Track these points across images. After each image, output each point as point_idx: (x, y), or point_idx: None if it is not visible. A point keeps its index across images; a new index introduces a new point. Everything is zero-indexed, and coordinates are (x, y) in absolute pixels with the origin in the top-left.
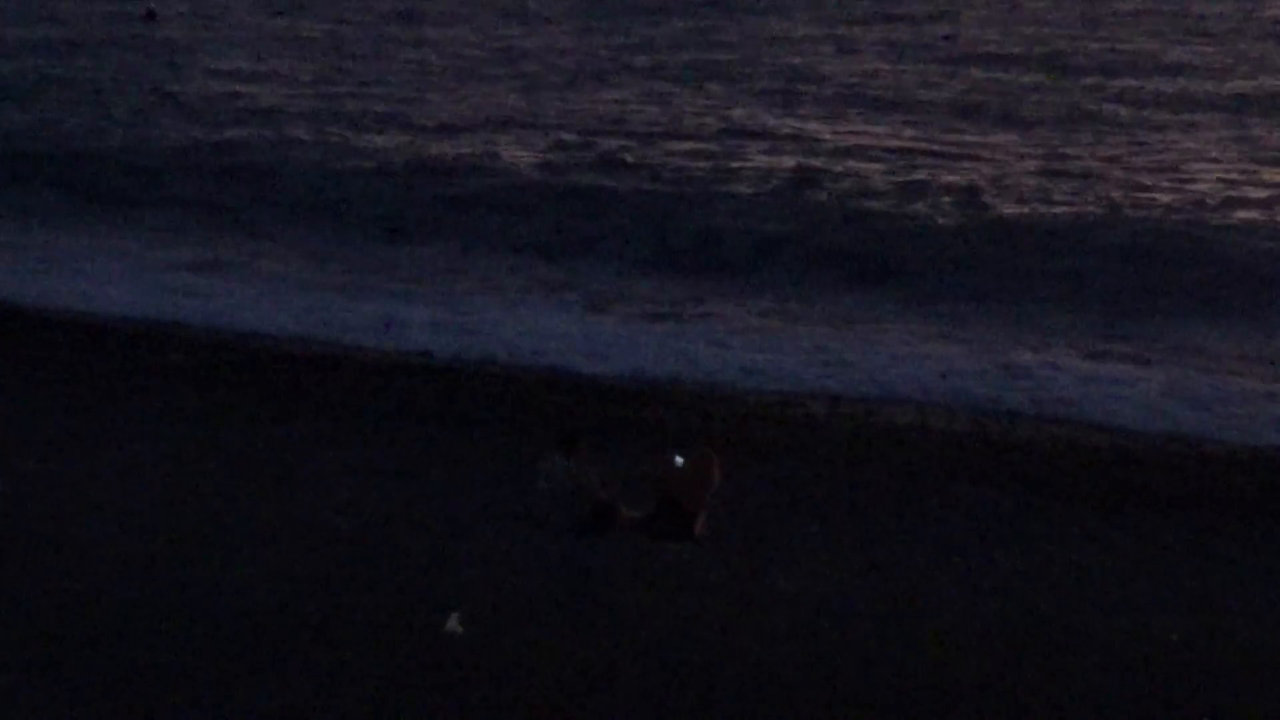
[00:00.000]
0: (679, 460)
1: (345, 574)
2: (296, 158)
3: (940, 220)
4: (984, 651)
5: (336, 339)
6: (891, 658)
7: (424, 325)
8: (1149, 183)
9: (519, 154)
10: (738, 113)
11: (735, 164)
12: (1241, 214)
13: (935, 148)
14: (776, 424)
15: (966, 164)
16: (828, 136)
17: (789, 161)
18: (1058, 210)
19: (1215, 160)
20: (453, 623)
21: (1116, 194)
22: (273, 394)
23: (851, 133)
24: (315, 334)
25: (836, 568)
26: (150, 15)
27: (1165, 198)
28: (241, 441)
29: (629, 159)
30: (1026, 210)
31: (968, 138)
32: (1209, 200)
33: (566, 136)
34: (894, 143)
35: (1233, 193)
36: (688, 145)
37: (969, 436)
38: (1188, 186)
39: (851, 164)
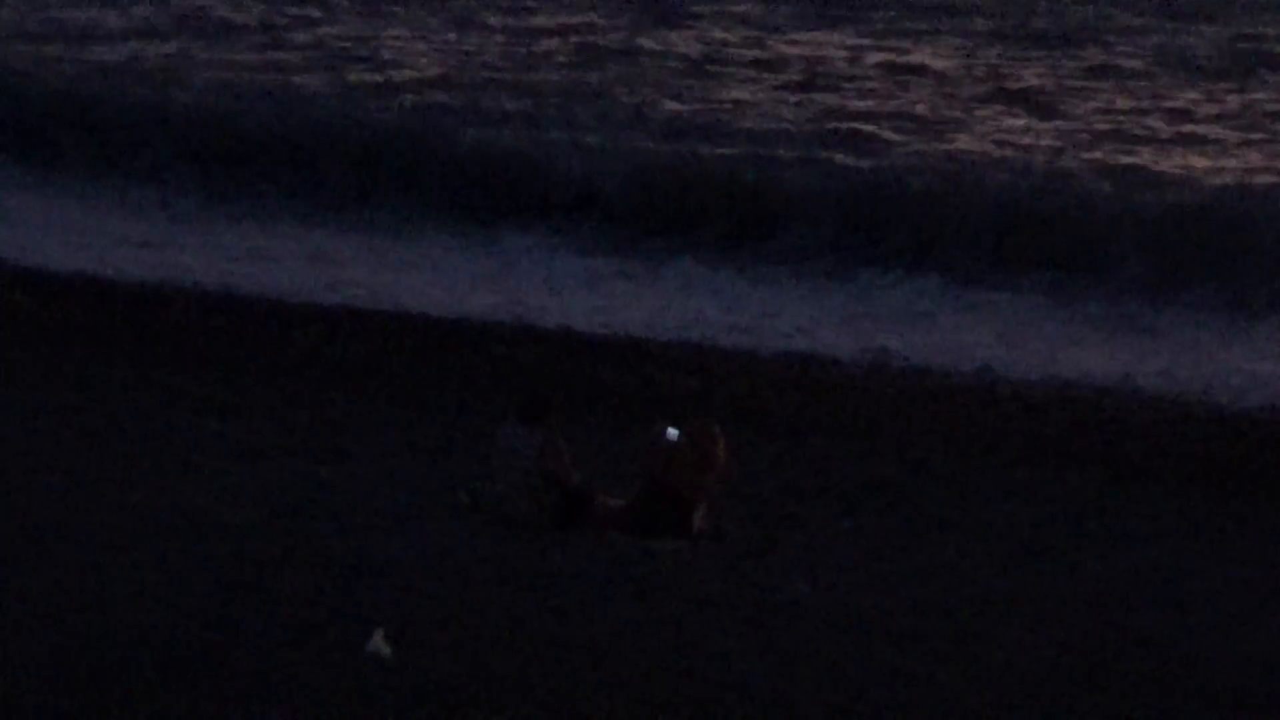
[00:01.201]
0: (673, 436)
1: (238, 583)
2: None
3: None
4: (1060, 687)
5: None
6: (941, 694)
7: (329, 259)
8: None
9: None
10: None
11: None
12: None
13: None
14: (799, 390)
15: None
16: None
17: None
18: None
19: None
20: (376, 642)
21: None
22: (128, 346)
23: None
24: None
25: (872, 575)
26: None
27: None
28: (89, 409)
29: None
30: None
31: None
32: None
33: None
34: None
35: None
36: None
37: (1042, 408)
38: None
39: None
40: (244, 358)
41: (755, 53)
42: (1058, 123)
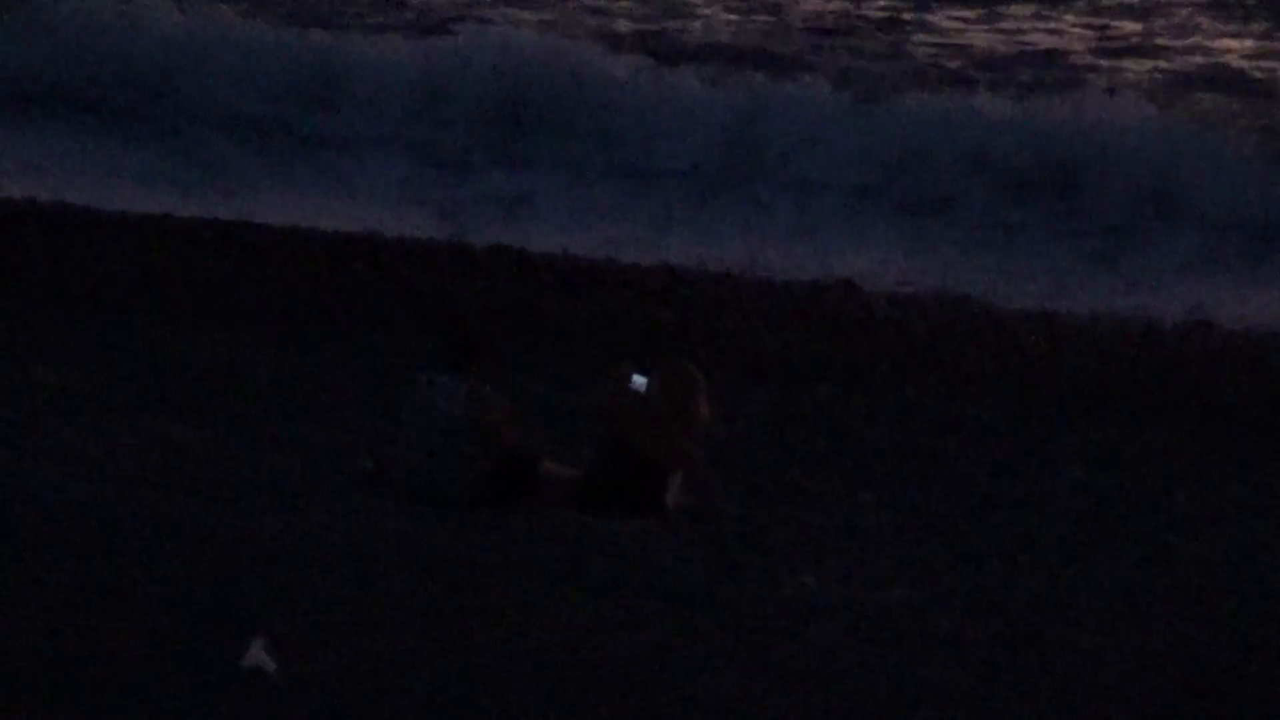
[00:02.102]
0: (641, 384)
1: (81, 578)
2: None
3: None
4: (1156, 714)
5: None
6: None
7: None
8: None
9: None
10: None
11: None
12: None
13: None
14: (802, 325)
15: None
16: None
17: None
18: None
19: None
20: (255, 654)
21: None
22: None
23: None
24: None
25: (900, 564)
26: None
27: None
28: None
29: None
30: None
31: None
32: None
33: None
34: None
35: None
36: None
37: (1113, 347)
38: None
39: None
40: (75, 285)
41: None
42: None
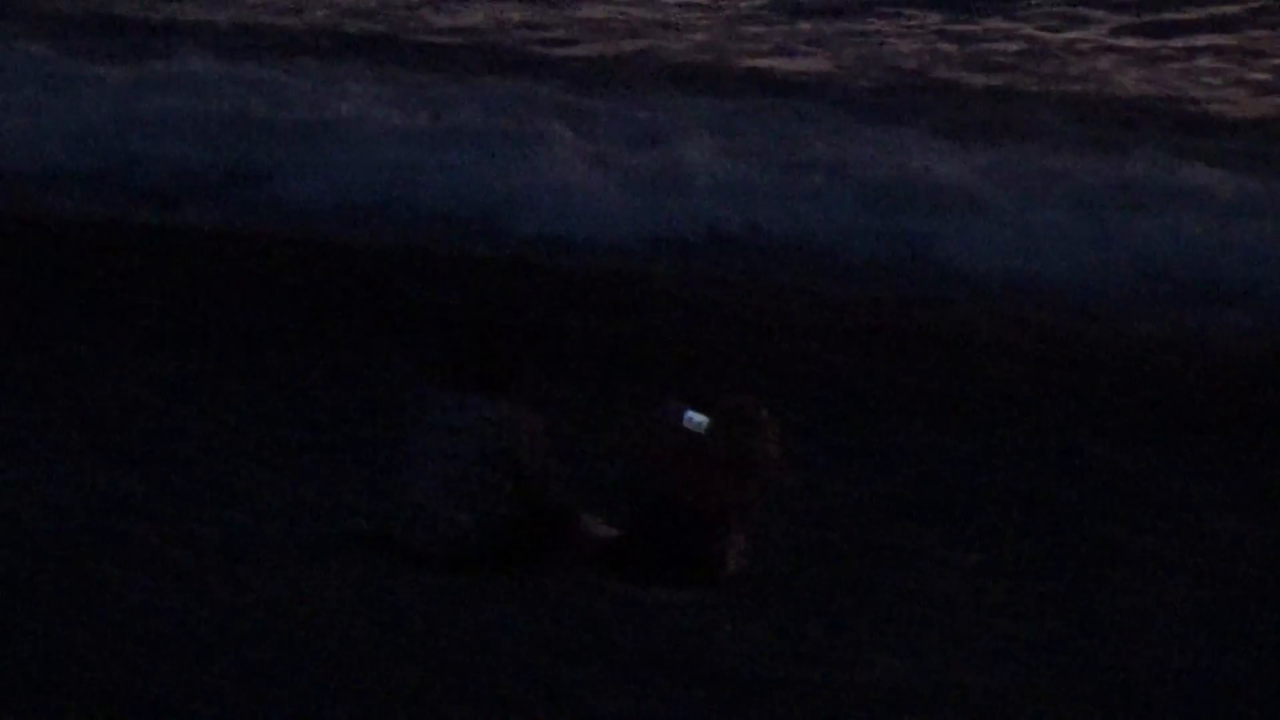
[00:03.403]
0: (695, 422)
1: (9, 663)
2: None
3: None
4: None
5: None
6: None
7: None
8: None
9: None
10: None
11: None
12: None
13: None
14: (889, 347)
15: None
16: None
17: None
18: None
19: None
20: None
21: None
22: None
23: None
24: None
25: (1017, 644)
26: None
27: None
28: None
29: None
30: None
31: None
32: None
33: None
34: None
35: None
36: None
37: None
38: None
39: None
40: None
41: None
42: None
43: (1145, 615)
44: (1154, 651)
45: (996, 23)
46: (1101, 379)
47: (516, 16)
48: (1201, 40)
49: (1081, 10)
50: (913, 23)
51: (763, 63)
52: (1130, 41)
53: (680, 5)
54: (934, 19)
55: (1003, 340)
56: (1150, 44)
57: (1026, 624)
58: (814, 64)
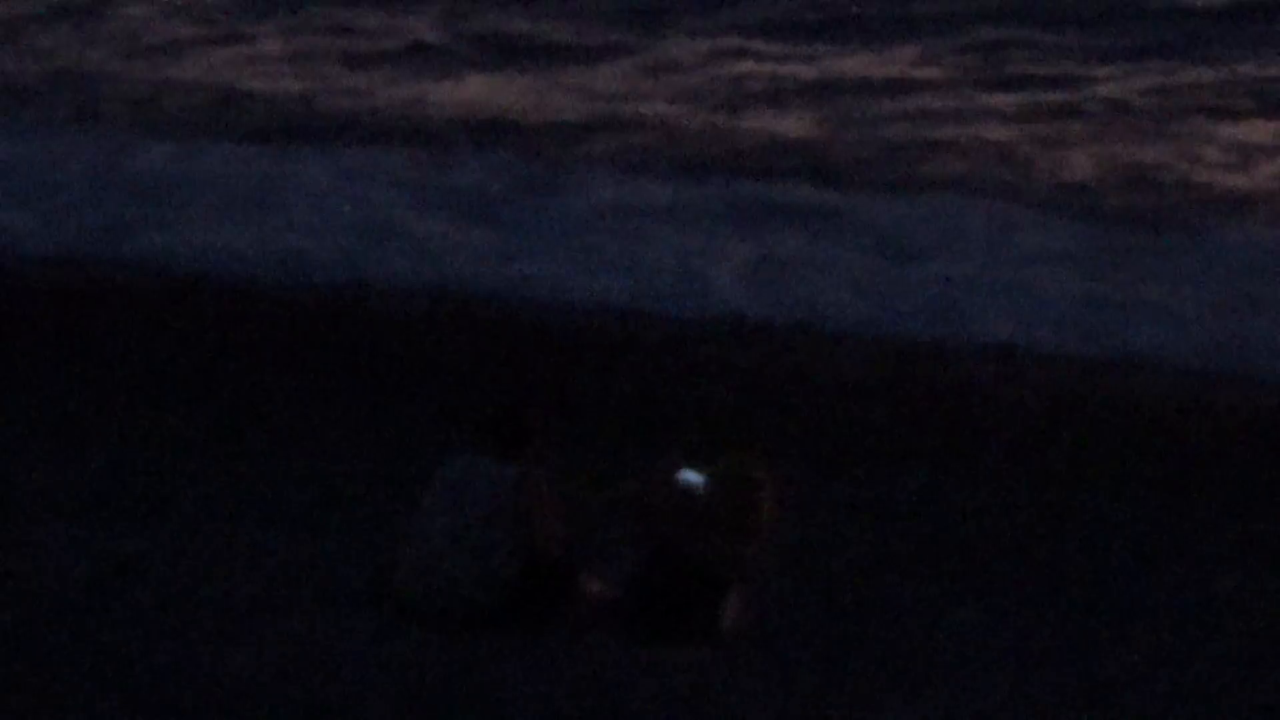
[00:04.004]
0: (693, 482)
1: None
2: None
3: None
4: None
5: None
6: None
7: None
8: None
9: None
10: None
11: None
12: None
13: None
14: (894, 398)
15: None
16: None
17: None
18: None
19: None
20: None
21: None
22: None
23: None
24: None
25: (1018, 697)
26: None
27: None
28: None
29: None
30: None
31: None
32: None
33: None
34: None
35: None
36: None
37: None
38: None
39: None
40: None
41: None
42: None
43: (1147, 669)
44: (1157, 706)
45: None
46: (1103, 434)
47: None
48: None
49: None
50: None
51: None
52: None
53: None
54: None
55: (1003, 394)
56: None
57: (1029, 679)
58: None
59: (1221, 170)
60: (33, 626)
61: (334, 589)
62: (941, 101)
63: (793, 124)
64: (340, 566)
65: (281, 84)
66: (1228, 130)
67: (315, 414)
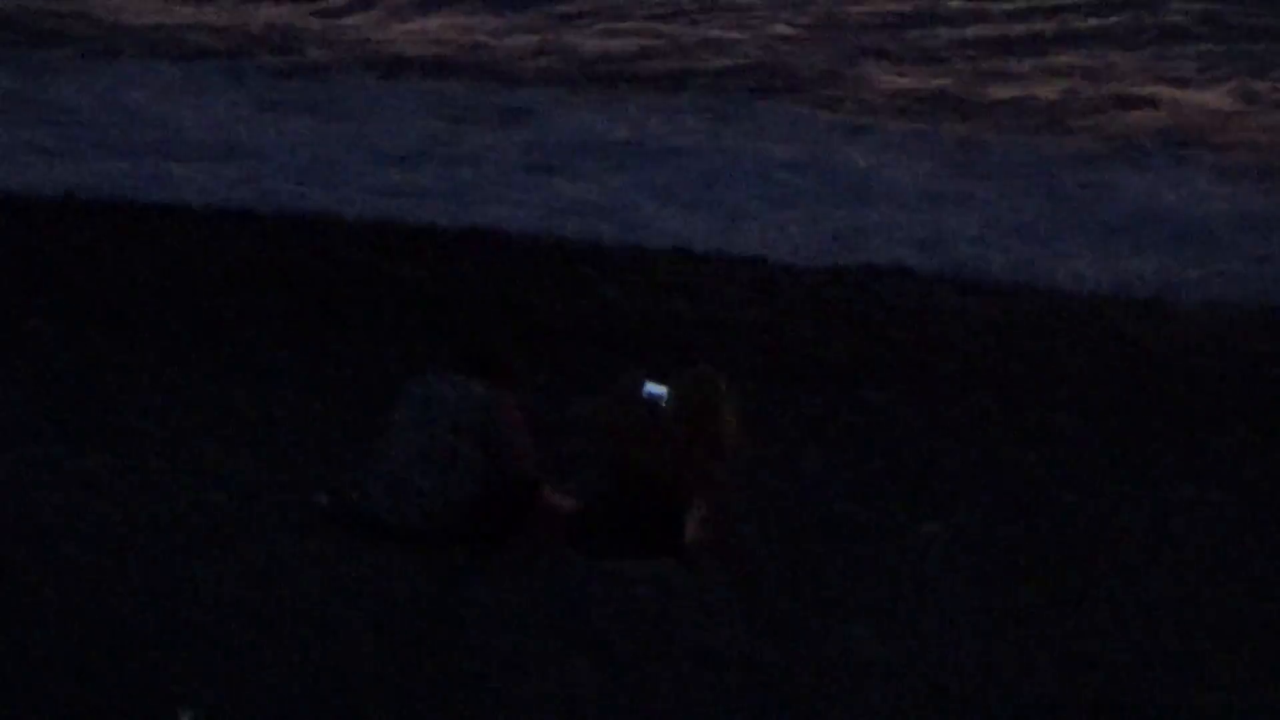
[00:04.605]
0: (656, 394)
1: None
2: None
3: None
4: None
5: None
6: None
7: None
8: None
9: None
10: None
11: None
12: None
13: None
14: (854, 316)
15: None
16: None
17: None
18: None
19: None
20: None
21: None
22: None
23: None
24: None
25: (978, 613)
26: None
27: None
28: None
29: None
30: None
31: None
32: None
33: None
34: None
35: None
36: None
37: (1249, 344)
38: None
39: None
40: None
41: None
42: None
43: (1108, 582)
44: (1118, 617)
45: None
46: (1071, 355)
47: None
48: None
49: None
50: None
51: None
52: None
53: None
54: None
55: (961, 311)
56: None
57: (989, 596)
58: None
59: None
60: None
61: (298, 507)
62: None
63: None
64: (304, 485)
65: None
66: None
67: (278, 339)
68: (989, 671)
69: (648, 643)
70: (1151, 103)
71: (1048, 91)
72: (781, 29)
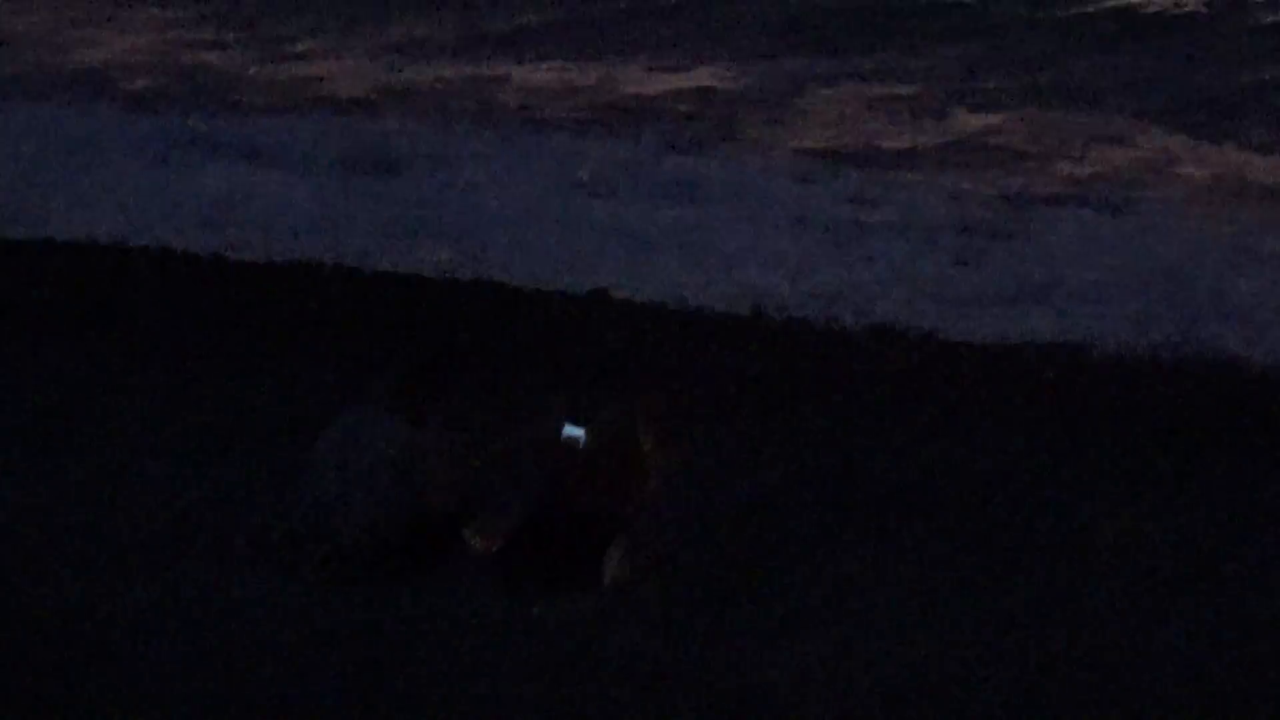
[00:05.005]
0: (575, 436)
1: None
2: None
3: None
4: None
5: None
6: None
7: None
8: None
9: None
10: None
11: None
12: None
13: None
14: (785, 344)
15: None
16: None
17: None
18: None
19: None
20: None
21: None
22: None
23: None
24: None
25: (922, 634)
26: None
27: None
28: None
29: None
30: None
31: None
32: None
33: None
34: None
35: None
36: None
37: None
38: None
39: None
40: None
41: None
42: None
43: (1039, 604)
44: (1049, 639)
45: None
46: (996, 375)
47: None
48: None
49: None
50: None
51: None
52: None
53: None
54: None
55: (879, 353)
56: None
57: (921, 616)
58: None
59: None
60: None
61: (227, 532)
62: None
63: None
64: (235, 510)
65: None
66: None
67: (214, 362)
68: (920, 689)
69: (573, 666)
70: None
71: None
72: None
